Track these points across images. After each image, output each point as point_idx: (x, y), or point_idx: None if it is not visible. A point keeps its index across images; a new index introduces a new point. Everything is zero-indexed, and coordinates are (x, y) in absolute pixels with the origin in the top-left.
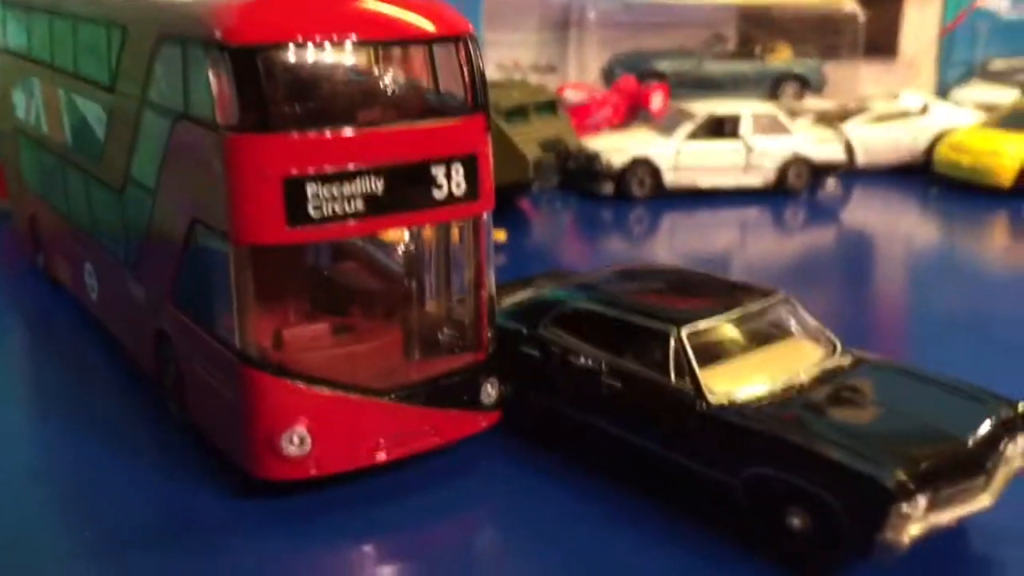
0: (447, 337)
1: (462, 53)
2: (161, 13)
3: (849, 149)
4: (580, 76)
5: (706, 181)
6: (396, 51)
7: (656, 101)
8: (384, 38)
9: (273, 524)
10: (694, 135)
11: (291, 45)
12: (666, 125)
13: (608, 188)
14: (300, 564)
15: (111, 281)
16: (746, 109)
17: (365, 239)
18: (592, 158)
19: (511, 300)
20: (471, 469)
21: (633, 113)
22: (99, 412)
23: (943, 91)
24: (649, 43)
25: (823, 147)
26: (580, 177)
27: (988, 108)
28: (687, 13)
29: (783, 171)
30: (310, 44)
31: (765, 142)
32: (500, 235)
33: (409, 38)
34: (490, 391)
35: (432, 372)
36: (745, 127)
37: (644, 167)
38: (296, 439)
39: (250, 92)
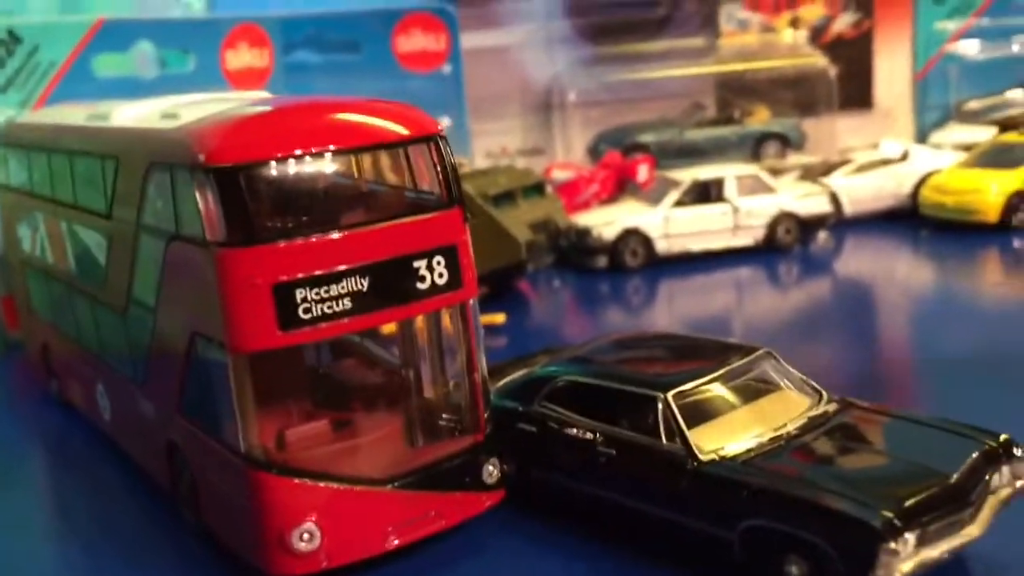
0: (444, 422)
1: (434, 152)
2: (149, 141)
3: (835, 201)
4: (567, 155)
5: (697, 245)
6: (372, 156)
7: (642, 173)
8: (359, 146)
9: None
10: (681, 202)
11: (271, 162)
12: (653, 195)
13: (602, 261)
14: None
15: (122, 399)
16: (729, 172)
17: (360, 335)
18: (584, 233)
19: (508, 379)
20: (480, 549)
21: (621, 186)
22: (117, 526)
23: (922, 136)
24: (631, 117)
25: (809, 201)
26: (574, 253)
27: (967, 148)
28: (665, 86)
29: (772, 229)
30: (289, 159)
31: (751, 202)
32: (499, 318)
33: (383, 143)
34: (491, 470)
35: (432, 457)
36: (730, 189)
37: (635, 237)
38: (306, 535)
39: (235, 208)
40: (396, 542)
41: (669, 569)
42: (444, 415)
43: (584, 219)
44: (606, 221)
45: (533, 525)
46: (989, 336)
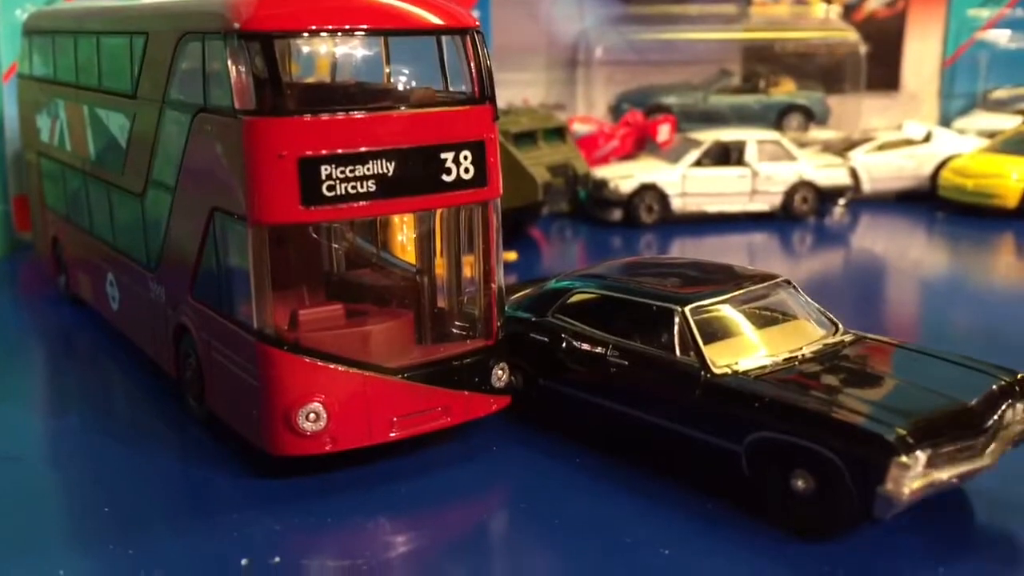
0: (458, 323)
1: (468, 46)
2: (182, 14)
3: (855, 176)
4: (588, 112)
5: (713, 206)
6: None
7: (663, 132)
8: (393, 28)
9: (289, 501)
10: (700, 162)
11: (304, 33)
12: (673, 153)
13: (617, 215)
14: (315, 536)
15: (132, 287)
16: (751, 136)
17: (377, 249)
18: (600, 185)
19: (522, 293)
20: (485, 453)
21: (640, 145)
22: (118, 411)
23: (946, 122)
24: (656, 79)
25: (828, 172)
26: (589, 205)
27: (990, 135)
28: (692, 50)
29: (789, 196)
30: (322, 32)
31: (771, 168)
32: (511, 256)
33: (417, 29)
34: (500, 375)
35: (443, 354)
36: (750, 153)
37: (652, 193)
38: (312, 415)
39: (266, 77)
40: (401, 433)
41: (671, 480)
42: (458, 315)
43: (602, 172)
44: (624, 175)
45: (537, 434)
46: (995, 322)
